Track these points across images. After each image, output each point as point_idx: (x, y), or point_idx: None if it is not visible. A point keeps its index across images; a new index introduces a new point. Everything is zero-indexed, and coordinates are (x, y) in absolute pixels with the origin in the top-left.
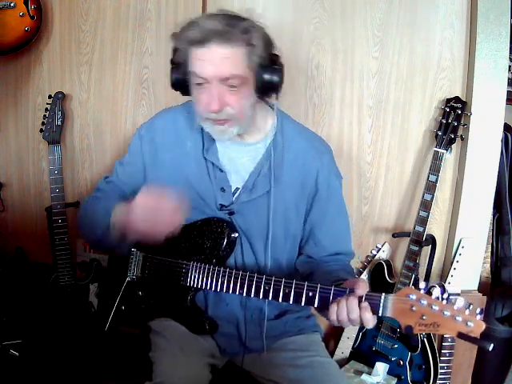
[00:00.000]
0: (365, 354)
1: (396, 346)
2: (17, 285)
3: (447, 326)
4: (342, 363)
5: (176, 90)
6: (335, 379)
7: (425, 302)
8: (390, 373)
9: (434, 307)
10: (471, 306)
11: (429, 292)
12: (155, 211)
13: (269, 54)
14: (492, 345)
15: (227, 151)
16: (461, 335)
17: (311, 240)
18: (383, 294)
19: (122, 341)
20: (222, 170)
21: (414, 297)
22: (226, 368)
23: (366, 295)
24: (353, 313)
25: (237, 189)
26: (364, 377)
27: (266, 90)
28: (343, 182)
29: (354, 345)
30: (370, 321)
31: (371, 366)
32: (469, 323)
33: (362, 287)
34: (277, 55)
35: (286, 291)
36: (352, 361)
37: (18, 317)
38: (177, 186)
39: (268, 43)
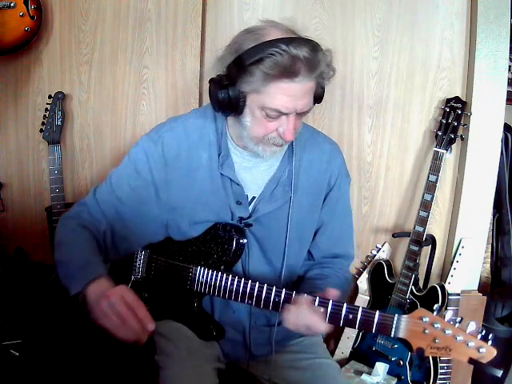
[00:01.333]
0: (365, 354)
1: (396, 346)
2: (17, 285)
3: (459, 351)
4: (342, 363)
5: (219, 110)
6: (334, 381)
7: (438, 326)
8: (389, 373)
9: (447, 331)
10: (484, 331)
11: (441, 314)
12: (123, 317)
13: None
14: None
15: (243, 162)
16: (472, 361)
17: (313, 240)
18: (396, 314)
19: (122, 341)
20: (238, 184)
21: (427, 319)
22: (227, 368)
23: (379, 314)
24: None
25: (253, 198)
26: (364, 377)
27: (315, 101)
28: None
29: (353, 345)
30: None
31: (371, 366)
32: (481, 349)
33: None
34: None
35: None
36: (352, 361)
37: (18, 317)
38: (188, 201)
39: (331, 64)
